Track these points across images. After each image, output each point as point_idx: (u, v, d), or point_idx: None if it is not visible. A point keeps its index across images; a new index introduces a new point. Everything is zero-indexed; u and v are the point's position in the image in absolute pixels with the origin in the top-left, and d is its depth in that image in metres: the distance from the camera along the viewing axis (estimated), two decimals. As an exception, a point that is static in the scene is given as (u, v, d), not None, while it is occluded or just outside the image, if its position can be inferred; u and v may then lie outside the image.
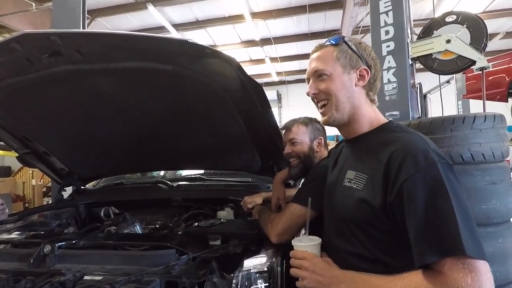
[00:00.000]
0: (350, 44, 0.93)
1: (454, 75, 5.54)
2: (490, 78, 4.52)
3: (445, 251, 0.68)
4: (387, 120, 0.97)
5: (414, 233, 0.72)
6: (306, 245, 0.90)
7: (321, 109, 0.97)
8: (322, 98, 0.95)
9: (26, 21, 6.44)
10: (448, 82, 5.40)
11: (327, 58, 0.93)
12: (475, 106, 5.48)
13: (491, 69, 3.35)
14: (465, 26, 2.38)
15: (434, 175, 0.74)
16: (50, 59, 1.22)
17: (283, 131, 1.55)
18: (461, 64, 2.39)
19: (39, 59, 1.22)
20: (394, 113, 2.99)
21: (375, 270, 0.78)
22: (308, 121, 1.51)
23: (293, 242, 0.92)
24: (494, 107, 2.86)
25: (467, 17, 2.40)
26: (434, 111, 3.49)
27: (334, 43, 0.94)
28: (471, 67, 2.49)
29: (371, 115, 0.95)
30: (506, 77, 4.56)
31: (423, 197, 0.72)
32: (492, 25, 7.03)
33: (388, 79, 2.65)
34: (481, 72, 2.60)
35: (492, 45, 7.77)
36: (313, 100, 0.99)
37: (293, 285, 0.92)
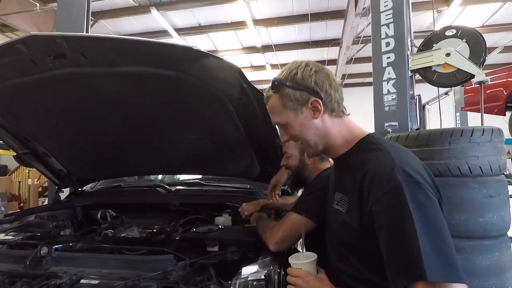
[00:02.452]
0: (288, 83, 0.89)
1: (452, 88, 5.60)
2: (488, 91, 4.57)
3: (411, 276, 0.67)
4: (365, 134, 0.93)
5: (385, 258, 0.72)
6: (301, 262, 0.91)
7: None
8: (295, 141, 0.97)
9: (29, 21, 6.47)
10: (446, 94, 5.45)
11: (276, 109, 0.92)
12: (473, 118, 5.52)
13: (489, 83, 3.39)
14: (464, 40, 2.41)
15: (398, 197, 0.72)
16: (54, 61, 1.23)
17: None
18: (460, 78, 2.42)
19: (43, 60, 1.23)
20: (393, 123, 3.02)
21: None
22: None
23: (290, 259, 0.93)
24: (492, 120, 2.89)
25: (466, 31, 2.44)
26: (432, 122, 3.52)
27: (274, 91, 0.91)
28: (470, 81, 2.53)
29: (344, 134, 0.93)
30: (504, 91, 4.61)
31: (387, 221, 0.72)
32: (490, 39, 7.13)
33: (388, 90, 2.67)
34: (479, 85, 2.63)
35: (491, 59, 7.84)
36: None
37: None
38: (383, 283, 0.76)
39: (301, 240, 1.12)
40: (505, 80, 4.69)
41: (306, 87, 0.88)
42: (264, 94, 0.98)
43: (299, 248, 1.31)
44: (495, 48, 8.23)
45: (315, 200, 1.26)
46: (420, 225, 0.69)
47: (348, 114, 0.96)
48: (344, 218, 0.85)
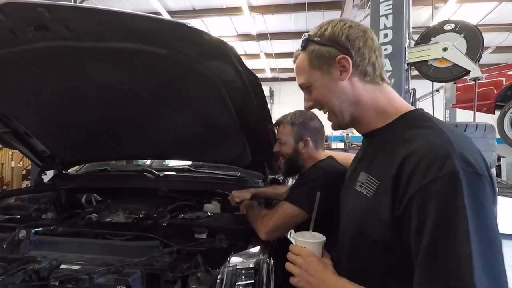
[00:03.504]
0: (316, 39, 0.78)
1: (443, 84, 5.64)
2: (479, 89, 4.62)
3: (450, 285, 0.56)
4: (410, 108, 0.78)
5: (420, 259, 0.60)
6: (305, 241, 0.83)
7: (327, 117, 0.87)
8: (320, 108, 0.85)
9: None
10: (437, 91, 5.50)
11: (301, 68, 0.83)
12: (462, 116, 5.60)
13: (482, 81, 3.41)
14: (462, 35, 2.40)
15: (451, 188, 0.58)
16: (35, 32, 1.14)
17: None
18: (455, 73, 2.41)
19: (23, 31, 1.14)
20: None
21: None
22: (296, 120, 1.41)
23: (295, 235, 0.85)
24: (480, 118, 2.92)
25: (465, 26, 2.42)
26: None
27: (301, 49, 0.82)
28: (464, 77, 2.53)
29: (380, 104, 0.78)
30: (495, 89, 4.68)
31: (432, 215, 0.58)
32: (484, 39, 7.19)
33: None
34: (473, 82, 2.63)
35: (482, 58, 7.94)
36: None
37: (282, 283, 0.89)
38: (397, 285, 0.67)
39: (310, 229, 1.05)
40: (496, 79, 4.75)
41: (335, 42, 0.76)
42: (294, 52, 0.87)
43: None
44: (487, 48, 8.35)
45: (309, 191, 1.23)
46: (473, 227, 0.56)
47: (389, 83, 0.81)
48: (369, 204, 0.71)
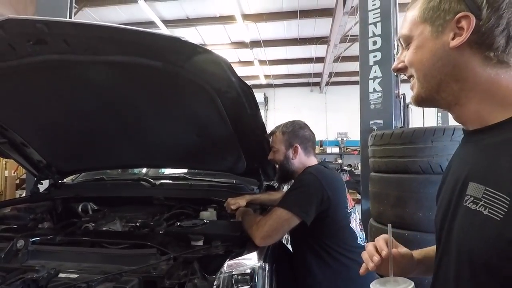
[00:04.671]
0: None
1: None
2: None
3: None
4: None
5: None
6: None
7: (410, 85, 0.68)
8: (408, 73, 0.66)
9: (7, 3, 6.15)
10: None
11: (412, 17, 0.64)
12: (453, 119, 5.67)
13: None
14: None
15: None
16: (34, 47, 1.17)
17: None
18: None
19: (22, 46, 1.17)
20: (378, 121, 3.07)
21: None
22: (286, 129, 1.52)
23: (374, 286, 0.67)
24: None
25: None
26: (415, 121, 3.61)
27: None
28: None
29: (502, 89, 0.56)
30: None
31: None
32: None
33: (374, 88, 2.72)
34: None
35: None
36: None
37: None
38: None
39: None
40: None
41: None
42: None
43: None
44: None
45: (301, 196, 1.28)
46: None
47: None
48: (502, 231, 0.49)
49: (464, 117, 0.62)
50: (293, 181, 1.54)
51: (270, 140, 1.57)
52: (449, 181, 0.65)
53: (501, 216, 0.49)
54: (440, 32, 0.58)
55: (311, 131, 1.56)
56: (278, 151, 1.51)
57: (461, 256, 0.57)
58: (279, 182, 1.66)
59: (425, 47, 0.61)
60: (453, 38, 0.57)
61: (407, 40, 0.64)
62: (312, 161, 1.52)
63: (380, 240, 0.74)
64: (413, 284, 0.65)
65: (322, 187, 1.31)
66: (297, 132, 1.51)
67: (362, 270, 0.74)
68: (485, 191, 0.53)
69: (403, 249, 0.73)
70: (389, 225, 0.74)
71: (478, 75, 0.57)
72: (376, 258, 0.70)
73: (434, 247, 0.69)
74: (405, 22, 0.65)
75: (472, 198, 0.55)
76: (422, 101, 0.65)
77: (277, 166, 1.57)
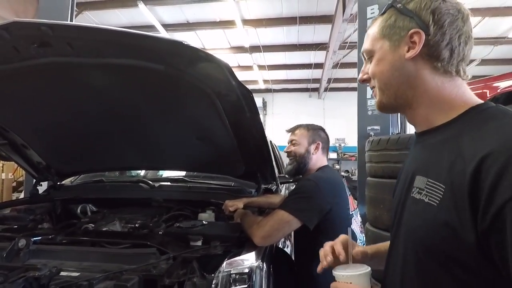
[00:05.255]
0: (399, 6, 0.68)
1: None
2: (465, 100, 4.77)
3: None
4: (481, 101, 0.65)
5: None
6: (351, 275, 0.70)
7: (372, 94, 0.77)
8: (372, 84, 0.75)
9: (7, 6, 6.18)
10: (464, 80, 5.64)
11: (372, 34, 0.72)
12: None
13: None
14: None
15: None
16: (38, 49, 1.19)
17: (289, 134, 1.74)
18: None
19: (26, 48, 1.19)
20: (375, 127, 3.11)
21: None
22: (311, 127, 1.69)
23: (335, 271, 0.74)
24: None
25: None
26: (411, 127, 3.64)
27: (382, 12, 0.72)
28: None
29: (447, 96, 0.65)
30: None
31: None
32: (469, 51, 7.43)
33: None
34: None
35: (468, 71, 8.18)
36: None
37: None
38: None
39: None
40: (481, 91, 4.92)
41: (416, 14, 0.65)
42: None
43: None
44: (473, 60, 8.64)
45: (303, 201, 1.32)
46: None
47: (465, 78, 0.67)
48: (437, 214, 0.58)
49: (415, 119, 0.71)
50: (293, 186, 1.59)
51: (293, 135, 1.68)
52: (402, 178, 0.74)
53: (438, 202, 0.58)
54: (396, 46, 0.67)
55: (326, 134, 1.72)
56: (300, 145, 1.62)
57: (407, 241, 0.65)
58: (290, 174, 1.72)
59: (385, 59, 0.69)
60: (407, 51, 0.66)
61: (370, 54, 0.73)
62: (325, 162, 1.65)
63: (338, 244, 0.81)
64: (369, 268, 0.72)
65: (323, 195, 1.37)
66: (319, 132, 1.67)
67: (318, 268, 0.82)
68: (427, 182, 0.61)
69: (359, 248, 0.82)
70: (349, 229, 0.84)
71: (427, 83, 0.66)
72: (329, 258, 0.79)
73: (386, 243, 0.80)
74: (367, 38, 0.74)
75: (417, 189, 0.64)
76: (383, 107, 0.73)
77: (290, 159, 1.66)
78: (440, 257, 0.58)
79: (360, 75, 0.77)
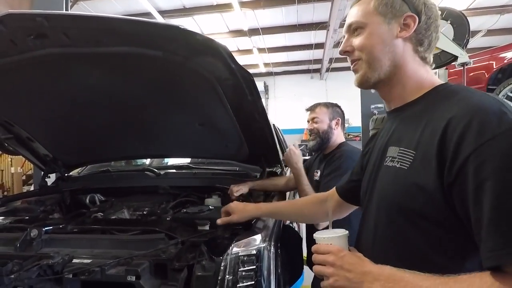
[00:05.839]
0: None
1: (437, 70, 5.69)
2: (471, 74, 4.68)
3: None
4: (443, 82, 0.76)
5: (486, 223, 0.53)
6: (330, 237, 0.75)
7: (352, 67, 0.81)
8: (355, 57, 0.79)
9: (2, 1, 6.11)
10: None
11: (365, 8, 0.77)
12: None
13: (472, 65, 3.46)
14: (449, 22, 2.45)
15: None
16: (35, 41, 1.18)
17: (308, 112, 1.85)
18: (444, 59, 2.47)
19: (23, 40, 1.18)
20: (379, 105, 3.07)
21: (422, 271, 0.61)
22: (329, 104, 1.82)
23: (315, 235, 0.78)
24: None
25: (451, 13, 2.47)
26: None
27: None
28: (453, 63, 2.58)
29: (420, 77, 0.75)
30: (486, 73, 4.73)
31: (499, 174, 0.53)
32: (474, 23, 7.21)
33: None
34: (462, 67, 2.69)
35: (474, 42, 7.99)
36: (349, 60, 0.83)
37: (283, 269, 0.94)
38: (445, 261, 0.62)
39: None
40: (487, 63, 4.80)
41: (411, 1, 0.74)
42: None
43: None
44: (478, 31, 8.38)
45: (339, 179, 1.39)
46: None
47: (432, 67, 0.80)
48: (407, 176, 0.66)
49: (390, 96, 0.80)
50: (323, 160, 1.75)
51: (314, 113, 1.79)
52: (374, 151, 0.84)
53: (408, 166, 0.67)
54: (390, 24, 0.74)
55: (341, 109, 1.85)
56: (322, 121, 1.75)
57: (380, 204, 0.74)
58: (315, 150, 1.82)
59: (377, 34, 0.75)
60: (400, 31, 0.74)
61: (360, 26, 0.77)
62: (343, 138, 1.80)
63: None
64: (347, 231, 0.77)
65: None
66: (337, 109, 1.81)
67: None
68: (399, 151, 0.71)
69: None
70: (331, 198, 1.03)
71: (408, 64, 0.75)
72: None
73: (285, 203, 1.17)
74: (358, 11, 0.79)
75: (390, 158, 0.73)
76: (366, 80, 0.79)
77: (311, 136, 1.78)
78: (410, 215, 0.65)
79: (343, 45, 0.81)
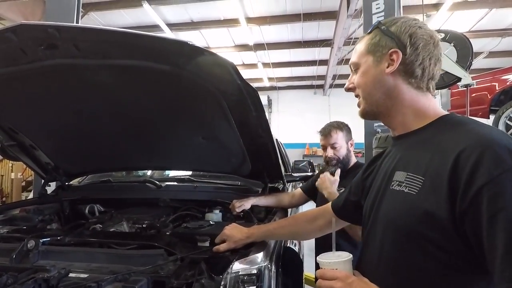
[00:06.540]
0: (383, 28, 0.80)
1: (439, 90, 5.73)
2: (474, 95, 4.70)
3: None
4: (445, 113, 0.78)
5: (502, 253, 0.55)
6: (335, 261, 0.75)
7: (357, 102, 0.88)
8: (356, 93, 0.87)
9: (15, 9, 6.26)
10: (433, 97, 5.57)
11: (360, 49, 0.85)
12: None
13: (474, 87, 3.48)
14: (452, 44, 2.48)
15: None
16: (45, 51, 1.20)
17: (322, 136, 1.77)
18: (447, 80, 2.49)
19: (34, 50, 1.20)
20: (382, 124, 3.06)
21: None
22: (342, 126, 1.76)
23: (319, 259, 0.78)
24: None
25: (454, 36, 2.51)
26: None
27: (369, 31, 0.84)
28: (456, 84, 2.60)
29: (422, 105, 0.78)
30: (488, 94, 4.76)
31: (508, 205, 0.56)
32: (476, 45, 7.29)
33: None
34: (465, 88, 2.71)
35: (476, 64, 8.07)
36: None
37: None
38: (447, 286, 0.64)
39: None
40: (490, 84, 4.83)
41: (396, 36, 0.77)
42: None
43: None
44: (480, 53, 8.48)
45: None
46: None
47: (434, 95, 0.81)
48: (415, 201, 0.68)
49: (392, 125, 0.84)
50: (300, 184, 1.58)
51: (331, 139, 1.72)
52: (380, 174, 0.86)
53: (416, 191, 0.68)
54: (379, 61, 0.80)
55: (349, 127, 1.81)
56: (341, 147, 1.71)
57: (386, 226, 0.75)
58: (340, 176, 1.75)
59: (368, 72, 0.82)
60: (387, 67, 0.78)
61: (356, 66, 0.85)
62: (353, 158, 1.79)
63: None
64: (351, 255, 0.78)
65: None
66: (348, 128, 1.78)
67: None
68: (407, 176, 0.72)
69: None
70: (333, 219, 0.96)
71: (403, 95, 0.79)
72: None
73: (276, 224, 1.29)
74: (355, 53, 0.86)
75: (397, 182, 0.74)
76: (366, 113, 0.86)
77: (332, 162, 1.71)
78: (417, 238, 0.66)
79: (347, 84, 0.89)
